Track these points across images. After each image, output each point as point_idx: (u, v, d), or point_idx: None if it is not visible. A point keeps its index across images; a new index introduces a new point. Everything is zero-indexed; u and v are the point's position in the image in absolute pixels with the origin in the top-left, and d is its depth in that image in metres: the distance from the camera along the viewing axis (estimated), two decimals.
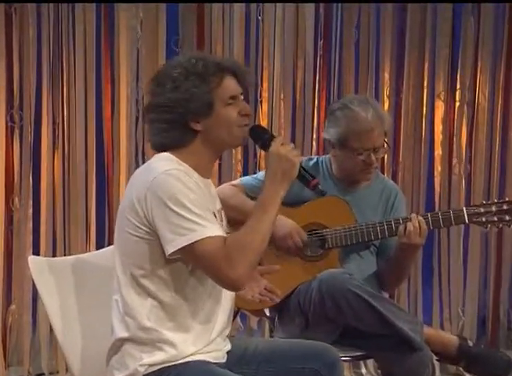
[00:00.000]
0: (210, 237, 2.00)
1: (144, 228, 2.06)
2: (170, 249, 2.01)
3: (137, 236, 2.07)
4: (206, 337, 2.13)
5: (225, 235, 2.06)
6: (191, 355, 2.11)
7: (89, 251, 3.90)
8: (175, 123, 2.10)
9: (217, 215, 2.17)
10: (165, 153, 2.13)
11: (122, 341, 2.12)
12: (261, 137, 2.17)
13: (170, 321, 2.09)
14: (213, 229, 2.02)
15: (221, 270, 1.99)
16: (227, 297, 2.20)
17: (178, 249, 2.00)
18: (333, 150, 2.92)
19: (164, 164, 2.07)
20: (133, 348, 2.10)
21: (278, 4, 4.08)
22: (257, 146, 2.15)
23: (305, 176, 2.15)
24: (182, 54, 2.24)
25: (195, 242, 1.99)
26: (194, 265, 2.08)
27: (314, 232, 2.89)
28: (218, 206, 2.24)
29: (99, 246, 3.83)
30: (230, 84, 2.14)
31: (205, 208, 2.04)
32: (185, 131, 2.11)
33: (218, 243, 2.00)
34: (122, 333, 2.12)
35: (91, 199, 3.98)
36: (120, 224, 2.13)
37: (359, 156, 2.83)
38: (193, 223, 1.99)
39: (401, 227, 2.78)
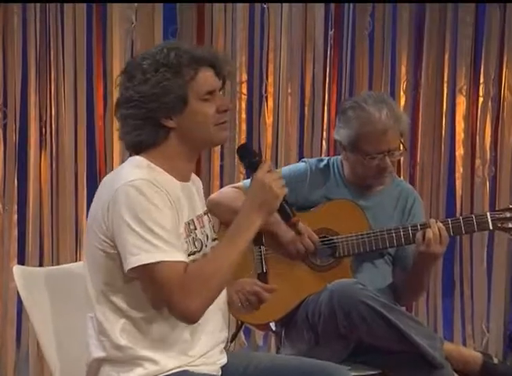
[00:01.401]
0: (166, 262, 1.99)
1: (108, 241, 2.06)
2: (125, 267, 2.02)
3: (102, 250, 2.08)
4: (193, 351, 2.13)
5: (186, 261, 2.03)
6: (175, 368, 2.10)
7: (79, 260, 3.85)
8: (146, 119, 2.09)
9: (196, 222, 2.16)
10: (137, 157, 2.12)
11: (99, 362, 2.13)
12: (249, 158, 2.18)
13: (145, 338, 2.09)
14: (173, 253, 2.01)
15: (174, 300, 1.99)
16: (217, 306, 2.17)
17: (132, 269, 2.01)
18: (344, 152, 2.92)
19: (131, 171, 2.07)
20: (111, 369, 2.11)
21: None
22: (249, 160, 2.16)
23: (286, 212, 2.15)
24: (156, 45, 2.23)
25: (148, 264, 1.99)
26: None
27: (324, 239, 2.89)
28: (200, 211, 2.22)
29: None
30: (207, 78, 2.12)
31: (170, 228, 2.03)
32: (158, 128, 2.10)
33: (175, 269, 1.99)
34: (98, 353, 2.12)
35: (82, 204, 3.99)
36: (88, 236, 2.14)
37: (372, 160, 2.83)
38: (149, 244, 1.99)
39: (419, 234, 2.78)
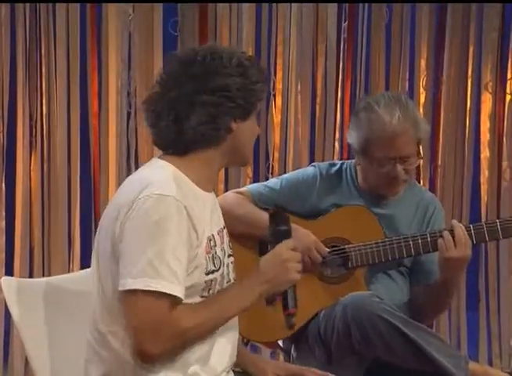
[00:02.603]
0: (159, 294, 1.98)
1: (117, 244, 2.04)
2: (120, 286, 2.01)
3: (111, 257, 2.05)
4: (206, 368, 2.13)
5: (182, 298, 2.02)
6: None
7: (72, 271, 3.93)
8: (227, 114, 2.10)
9: (216, 238, 2.15)
10: (167, 164, 2.11)
11: None
12: (277, 226, 2.20)
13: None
14: (173, 286, 2.00)
15: (140, 339, 1.99)
16: (230, 329, 2.17)
17: (125, 290, 1.99)
18: (357, 156, 2.92)
19: (159, 181, 2.05)
20: None
21: None
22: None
23: (287, 301, 2.16)
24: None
25: (142, 290, 1.97)
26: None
27: (335, 248, 2.88)
28: (217, 227, 2.21)
29: (84, 265, 3.74)
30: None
31: (183, 256, 2.02)
32: (224, 127, 2.12)
33: (163, 306, 1.99)
34: (100, 368, 2.11)
35: (75, 210, 4.00)
36: (99, 236, 2.12)
37: (382, 167, 2.82)
38: (154, 269, 1.98)
39: (440, 240, 2.77)
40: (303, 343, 2.86)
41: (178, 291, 2.00)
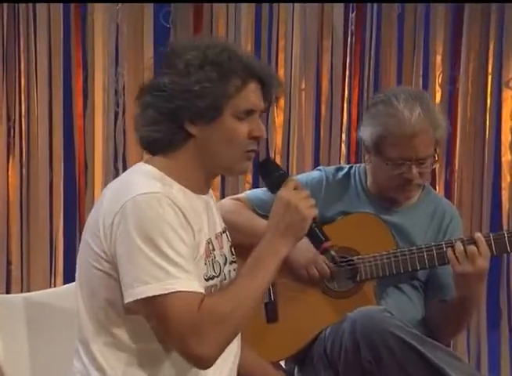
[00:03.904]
0: (179, 294, 1.99)
1: (108, 260, 2.06)
2: (126, 298, 2.02)
3: (100, 270, 2.07)
4: None
5: (203, 292, 2.04)
6: None
7: (54, 286, 3.91)
8: (170, 116, 2.11)
9: (214, 242, 2.18)
10: (149, 167, 2.15)
11: None
12: (271, 174, 2.21)
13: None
14: (188, 282, 2.01)
15: (186, 343, 1.99)
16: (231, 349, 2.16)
17: (137, 300, 2.00)
18: (368, 154, 2.92)
19: (143, 183, 2.08)
20: None
21: None
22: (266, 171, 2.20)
23: (317, 235, 2.17)
24: (210, 39, 2.27)
25: (158, 295, 1.99)
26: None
27: (342, 260, 2.88)
28: (219, 228, 2.24)
29: (68, 279, 3.77)
30: (253, 95, 2.15)
31: (185, 253, 2.03)
32: (177, 130, 2.13)
33: (190, 303, 2.00)
34: None
35: (58, 219, 3.99)
36: (83, 251, 2.14)
37: (395, 167, 2.82)
38: (162, 270, 1.99)
39: (450, 252, 2.76)
40: (307, 364, 2.86)
41: (195, 286, 2.01)
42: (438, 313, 2.89)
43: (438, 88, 4.29)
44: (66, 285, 2.70)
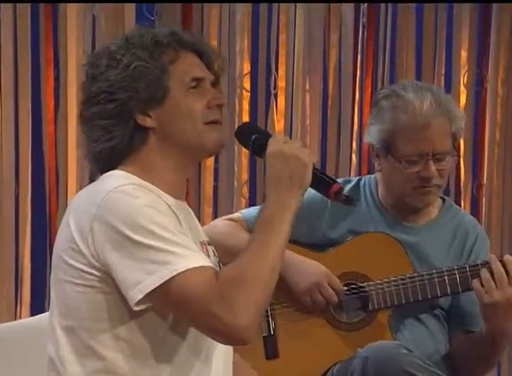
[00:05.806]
0: (192, 270, 2.02)
1: (94, 272, 2.08)
2: (136, 296, 2.03)
3: (83, 285, 2.09)
4: None
5: (213, 266, 2.09)
6: None
7: (20, 317, 3.93)
8: (118, 116, 2.16)
9: (200, 247, 2.20)
10: (117, 171, 2.19)
11: None
12: (251, 138, 2.23)
13: None
14: (196, 257, 2.06)
15: (215, 316, 2.01)
16: (220, 354, 2.20)
17: (148, 294, 2.02)
18: (378, 160, 2.94)
19: (115, 180, 2.13)
20: None
21: None
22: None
23: (323, 180, 2.18)
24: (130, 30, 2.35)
25: (171, 279, 2.01)
26: (176, 314, 2.10)
27: (351, 287, 2.90)
28: (203, 237, 2.29)
29: (35, 310, 3.84)
30: (191, 63, 2.22)
31: (180, 232, 2.08)
32: (132, 129, 2.18)
33: (207, 276, 2.04)
34: None
35: (24, 242, 3.99)
36: (57, 272, 2.16)
37: (411, 164, 2.84)
38: (165, 253, 2.03)
39: (475, 281, 2.76)
40: None
41: (205, 260, 2.07)
42: (463, 348, 2.90)
43: (463, 89, 4.32)
44: (36, 316, 2.72)
